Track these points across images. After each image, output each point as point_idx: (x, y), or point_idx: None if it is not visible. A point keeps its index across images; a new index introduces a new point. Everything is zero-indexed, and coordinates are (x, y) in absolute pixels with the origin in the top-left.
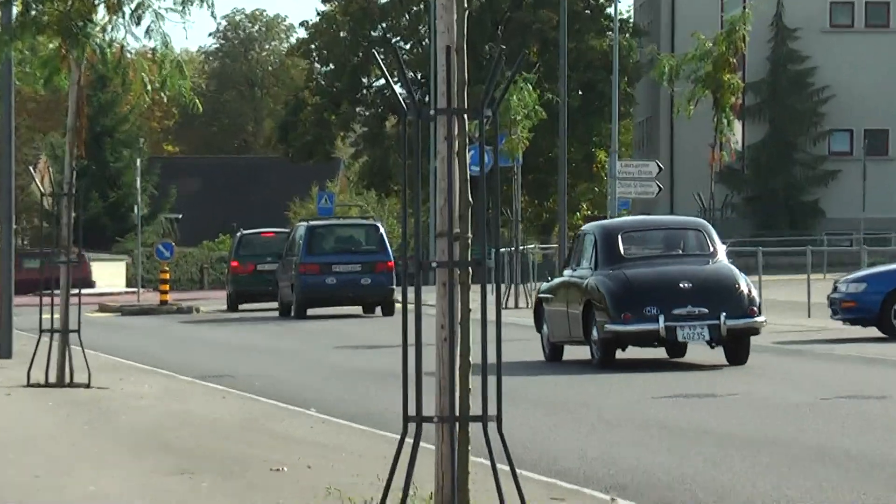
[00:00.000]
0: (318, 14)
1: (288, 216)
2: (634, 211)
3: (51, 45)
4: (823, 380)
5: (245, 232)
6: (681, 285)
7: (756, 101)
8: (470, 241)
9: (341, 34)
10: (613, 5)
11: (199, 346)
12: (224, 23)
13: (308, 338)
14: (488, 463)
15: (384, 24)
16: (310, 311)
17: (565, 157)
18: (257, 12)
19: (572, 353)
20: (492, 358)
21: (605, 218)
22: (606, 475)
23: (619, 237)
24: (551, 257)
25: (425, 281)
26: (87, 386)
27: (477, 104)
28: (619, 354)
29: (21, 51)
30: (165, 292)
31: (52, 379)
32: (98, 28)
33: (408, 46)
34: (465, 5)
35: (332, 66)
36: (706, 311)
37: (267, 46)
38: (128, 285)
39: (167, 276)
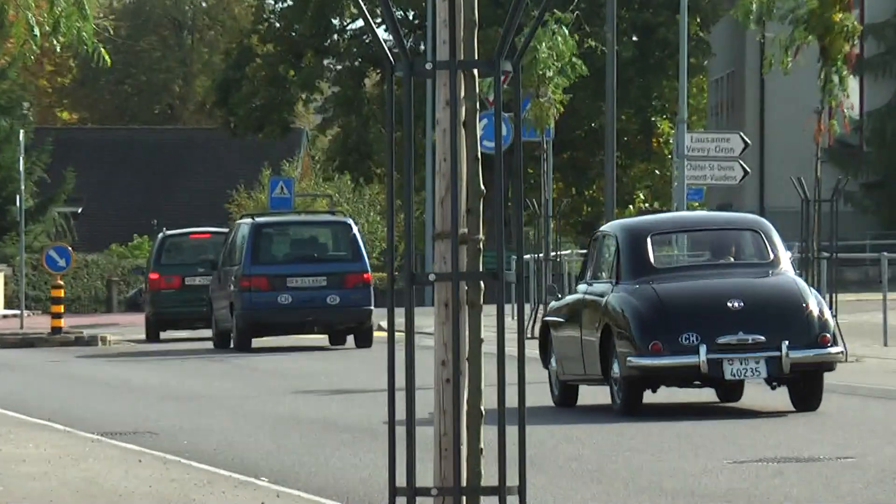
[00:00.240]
0: None
1: (229, 210)
2: (710, 202)
3: None
4: None
5: (169, 233)
6: (729, 305)
7: (879, 50)
8: (482, 246)
9: None
10: None
11: (105, 391)
12: None
13: (255, 379)
14: None
15: None
16: (256, 342)
17: (614, 129)
18: None
19: (591, 394)
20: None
21: (667, 212)
22: None
23: (649, 240)
24: None
25: (419, 300)
26: None
27: (492, 55)
28: (650, 397)
29: None
30: (59, 316)
31: None
32: None
33: None
34: None
35: (290, 0)
36: (762, 339)
37: None
38: (7, 306)
39: (61, 293)
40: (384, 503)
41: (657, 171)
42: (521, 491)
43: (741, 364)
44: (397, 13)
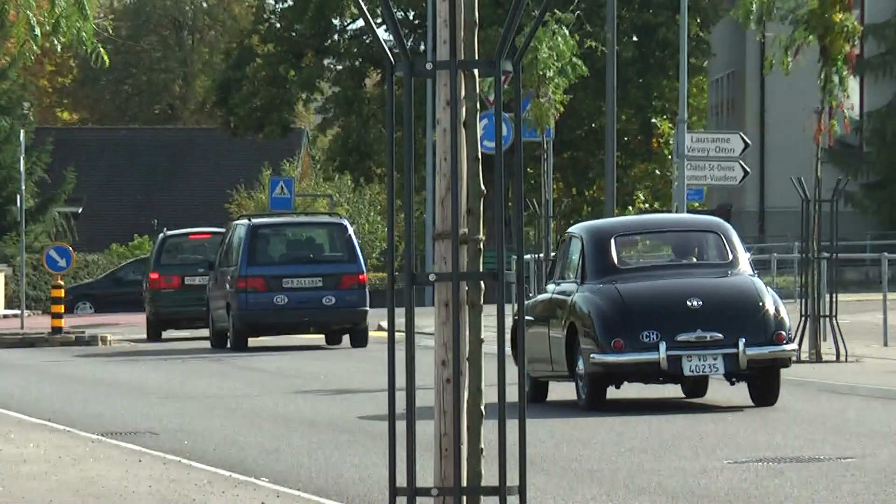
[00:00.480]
0: None
1: (229, 210)
2: (710, 202)
3: None
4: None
5: (170, 233)
6: (688, 304)
7: (879, 50)
8: (482, 246)
9: None
10: None
11: (106, 392)
12: None
13: (255, 379)
14: None
15: None
16: (253, 341)
17: (614, 129)
18: None
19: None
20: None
21: (668, 212)
22: None
23: (613, 242)
24: None
25: (419, 300)
26: None
27: (493, 55)
28: (650, 396)
29: None
30: (59, 316)
31: None
32: None
33: None
34: None
35: (290, 0)
36: (720, 336)
37: None
38: (7, 306)
39: (62, 293)
40: (384, 503)
41: (657, 172)
42: (522, 491)
43: (699, 360)
44: (397, 13)
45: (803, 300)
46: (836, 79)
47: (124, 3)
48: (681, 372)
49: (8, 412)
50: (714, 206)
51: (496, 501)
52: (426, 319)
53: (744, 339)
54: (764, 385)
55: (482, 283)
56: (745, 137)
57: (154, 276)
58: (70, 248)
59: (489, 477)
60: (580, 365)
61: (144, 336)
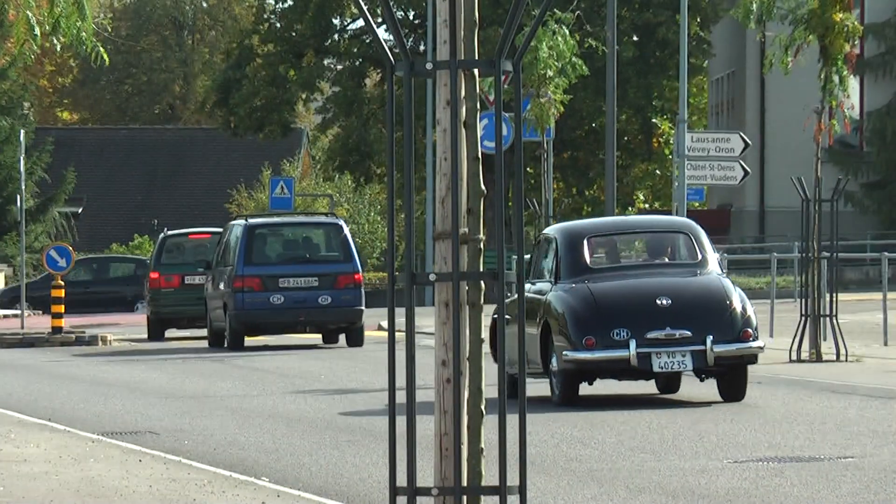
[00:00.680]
0: None
1: (229, 210)
2: (711, 202)
3: None
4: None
5: (170, 233)
6: (658, 302)
7: (879, 50)
8: (482, 245)
9: None
10: None
11: (106, 392)
12: None
13: (255, 379)
14: None
15: None
16: (250, 340)
17: (614, 129)
18: None
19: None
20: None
21: (668, 213)
22: None
23: (585, 243)
24: None
25: (420, 300)
26: None
27: (493, 54)
28: (646, 393)
29: None
30: (60, 315)
31: None
32: None
33: None
34: None
35: (290, 0)
36: (688, 333)
37: None
38: (7, 306)
39: (62, 293)
40: (384, 503)
41: (657, 171)
42: (522, 491)
43: (668, 357)
44: (397, 13)
45: (803, 300)
46: (836, 79)
47: (124, 3)
48: (650, 368)
49: (8, 412)
50: (714, 205)
51: (496, 501)
52: (426, 319)
53: (711, 337)
54: (732, 381)
55: (482, 283)
56: (745, 137)
57: (154, 275)
58: (70, 248)
59: (489, 477)
60: (554, 362)
61: (145, 336)
